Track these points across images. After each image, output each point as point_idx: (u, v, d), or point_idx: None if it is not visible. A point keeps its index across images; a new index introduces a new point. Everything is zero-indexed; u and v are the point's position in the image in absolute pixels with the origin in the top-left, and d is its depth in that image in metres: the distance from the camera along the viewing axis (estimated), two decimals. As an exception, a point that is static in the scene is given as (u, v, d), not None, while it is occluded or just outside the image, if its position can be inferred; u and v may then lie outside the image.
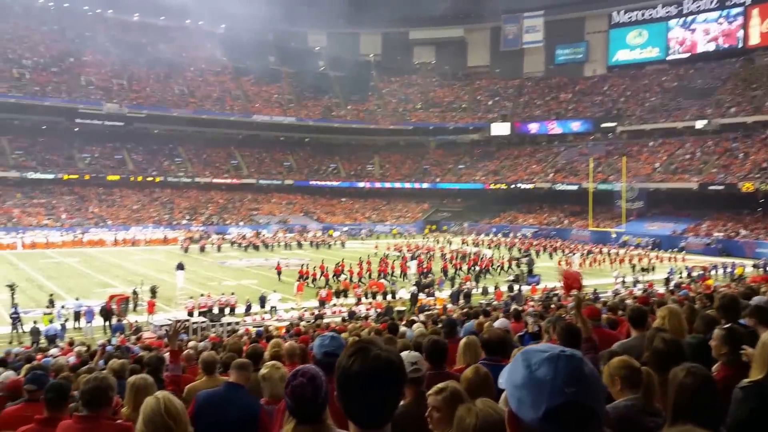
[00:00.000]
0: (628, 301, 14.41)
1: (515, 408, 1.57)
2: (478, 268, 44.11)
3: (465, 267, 45.19)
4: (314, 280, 38.96)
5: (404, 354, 4.30)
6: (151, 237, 62.65)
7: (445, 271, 42.41)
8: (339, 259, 43.43)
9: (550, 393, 1.49)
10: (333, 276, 39.45)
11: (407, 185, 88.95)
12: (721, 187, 61.43)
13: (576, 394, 1.49)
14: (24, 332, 24.71)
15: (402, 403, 4.00)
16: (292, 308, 30.49)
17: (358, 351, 1.96)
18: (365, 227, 77.42)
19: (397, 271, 41.76)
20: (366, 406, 1.94)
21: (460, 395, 3.25)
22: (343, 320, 23.98)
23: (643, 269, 43.54)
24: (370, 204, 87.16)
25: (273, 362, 5.24)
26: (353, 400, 1.94)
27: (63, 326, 25.19)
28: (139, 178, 76.50)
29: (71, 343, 18.50)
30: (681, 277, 38.36)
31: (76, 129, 77.69)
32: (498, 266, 46.30)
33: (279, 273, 40.73)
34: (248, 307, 29.77)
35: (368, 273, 40.51)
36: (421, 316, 18.05)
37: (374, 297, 33.56)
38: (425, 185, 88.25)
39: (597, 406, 1.53)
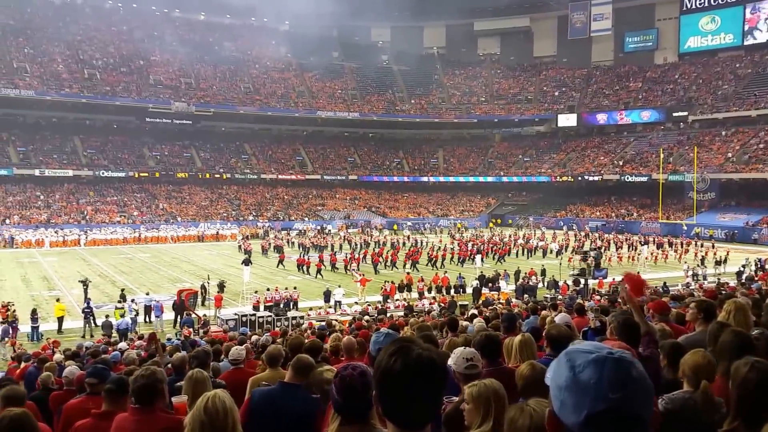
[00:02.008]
0: (697, 294, 14.01)
1: (557, 410, 1.50)
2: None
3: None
4: (312, 269, 40.57)
5: (460, 350, 4.23)
6: (206, 233, 63.14)
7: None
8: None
9: (593, 398, 1.41)
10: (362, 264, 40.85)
11: (472, 179, 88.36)
12: (796, 178, 59.29)
13: (621, 400, 1.41)
14: (96, 326, 25.47)
15: (457, 398, 3.95)
16: (356, 303, 30.63)
17: (400, 350, 1.88)
18: (429, 222, 77.22)
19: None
20: (407, 406, 1.87)
21: (490, 392, 3.20)
22: (405, 314, 23.98)
23: (716, 262, 42.20)
24: (434, 198, 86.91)
25: (327, 367, 5.20)
26: (394, 399, 1.87)
27: (133, 320, 25.85)
28: (207, 176, 78.10)
29: (140, 337, 18.97)
30: (752, 270, 37.03)
31: (146, 128, 79.70)
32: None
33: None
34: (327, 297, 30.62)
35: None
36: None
37: (439, 291, 33.42)
38: (490, 179, 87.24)
39: (643, 413, 1.44)
